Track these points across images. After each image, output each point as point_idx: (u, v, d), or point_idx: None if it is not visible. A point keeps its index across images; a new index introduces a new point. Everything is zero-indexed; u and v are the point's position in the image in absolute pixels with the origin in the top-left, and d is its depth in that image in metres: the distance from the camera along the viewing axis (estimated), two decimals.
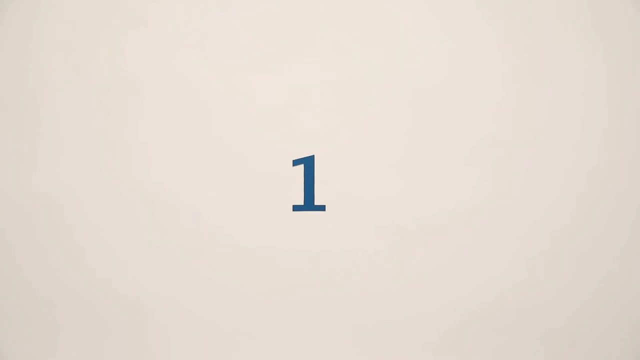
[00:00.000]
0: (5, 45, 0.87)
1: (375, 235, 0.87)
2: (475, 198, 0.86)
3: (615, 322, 0.87)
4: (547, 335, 0.87)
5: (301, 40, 0.86)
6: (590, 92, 0.85)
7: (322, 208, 0.87)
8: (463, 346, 0.86)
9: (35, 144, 0.88)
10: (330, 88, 0.86)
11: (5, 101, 0.87)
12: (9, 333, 0.89)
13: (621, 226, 0.86)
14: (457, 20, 0.85)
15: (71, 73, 0.87)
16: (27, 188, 0.88)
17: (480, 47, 0.85)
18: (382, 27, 0.85)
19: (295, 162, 0.87)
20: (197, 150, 0.87)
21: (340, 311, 0.88)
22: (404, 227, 0.87)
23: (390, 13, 0.85)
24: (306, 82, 0.86)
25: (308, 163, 0.87)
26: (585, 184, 0.86)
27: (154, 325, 0.89)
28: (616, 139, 0.85)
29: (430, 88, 0.86)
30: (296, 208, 0.87)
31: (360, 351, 0.88)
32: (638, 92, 0.85)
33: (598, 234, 0.86)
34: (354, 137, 0.87)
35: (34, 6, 0.86)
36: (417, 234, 0.85)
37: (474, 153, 0.86)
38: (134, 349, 0.89)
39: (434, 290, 0.86)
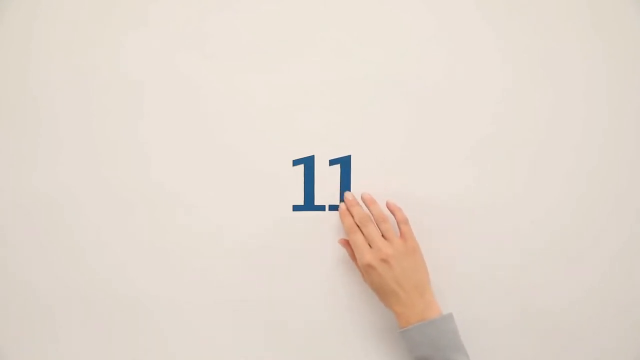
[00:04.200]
0: (5, 45, 0.87)
1: None
2: (475, 198, 0.86)
3: (614, 322, 0.87)
4: (546, 335, 0.87)
5: (301, 40, 0.86)
6: (590, 92, 0.85)
7: (322, 208, 0.87)
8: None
9: (35, 144, 0.88)
10: (330, 88, 0.86)
11: (5, 101, 0.87)
12: (9, 333, 0.89)
13: (621, 226, 0.86)
14: (457, 20, 0.85)
15: (71, 73, 0.87)
16: (27, 188, 0.88)
17: (480, 47, 0.85)
18: (382, 27, 0.85)
19: (295, 162, 0.87)
20: (197, 150, 0.87)
21: (340, 311, 0.88)
22: None
23: (391, 13, 0.85)
24: (306, 82, 0.86)
25: (308, 163, 0.87)
26: (585, 184, 0.86)
27: (154, 325, 0.89)
28: (616, 139, 0.85)
29: (430, 88, 0.86)
30: (296, 208, 0.87)
31: (360, 351, 0.88)
32: (638, 92, 0.85)
33: (598, 233, 0.86)
34: (354, 137, 0.87)
35: (34, 6, 0.86)
36: (417, 234, 0.84)
37: (474, 153, 0.86)
38: (134, 348, 0.89)
39: (434, 290, 0.86)
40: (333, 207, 0.87)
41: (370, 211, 0.83)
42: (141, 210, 0.88)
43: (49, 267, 0.89)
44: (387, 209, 0.84)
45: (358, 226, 0.82)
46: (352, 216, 0.83)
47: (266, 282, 0.88)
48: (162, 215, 0.88)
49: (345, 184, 0.87)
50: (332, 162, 0.87)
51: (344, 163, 0.87)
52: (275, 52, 0.86)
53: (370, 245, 0.80)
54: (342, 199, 0.87)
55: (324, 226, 0.87)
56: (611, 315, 0.87)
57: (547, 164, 0.86)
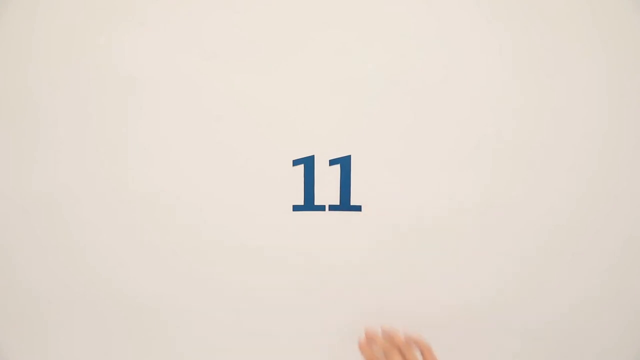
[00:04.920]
0: (5, 45, 0.87)
1: (375, 235, 0.87)
2: (475, 198, 0.86)
3: (614, 322, 0.87)
4: (546, 334, 0.87)
5: (301, 40, 0.86)
6: (591, 92, 0.85)
7: (322, 208, 0.87)
8: (463, 345, 0.86)
9: (35, 144, 0.88)
10: (330, 88, 0.86)
11: (5, 101, 0.87)
12: (9, 333, 0.89)
13: (621, 226, 0.86)
14: (458, 21, 0.85)
15: (70, 73, 0.87)
16: (26, 188, 0.88)
17: (481, 48, 0.85)
18: (382, 27, 0.85)
19: (295, 162, 0.87)
20: (197, 150, 0.87)
21: (340, 311, 0.88)
22: (404, 227, 0.87)
23: (391, 13, 0.85)
24: (306, 82, 0.86)
25: (308, 163, 0.87)
26: (585, 184, 0.86)
27: (154, 325, 0.89)
28: (616, 139, 0.85)
29: (430, 88, 0.86)
30: (296, 208, 0.87)
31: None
32: (638, 92, 0.85)
33: (598, 234, 0.86)
34: (354, 137, 0.87)
35: (34, 6, 0.86)
36: (417, 234, 0.85)
37: (474, 153, 0.86)
38: (135, 348, 0.89)
39: (433, 290, 0.86)
40: (333, 207, 0.87)
41: (393, 342, 0.81)
42: (141, 210, 0.88)
43: (48, 267, 0.89)
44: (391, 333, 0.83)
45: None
46: (377, 346, 0.82)
47: (266, 281, 0.88)
48: (161, 215, 0.88)
49: (345, 184, 0.87)
50: (332, 162, 0.87)
51: (344, 163, 0.87)
52: (275, 52, 0.86)
53: None
54: (342, 199, 0.87)
55: (324, 226, 0.87)
56: (610, 315, 0.87)
57: (547, 164, 0.86)
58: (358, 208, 0.87)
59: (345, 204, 0.87)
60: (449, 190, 0.86)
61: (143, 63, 0.86)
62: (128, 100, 0.87)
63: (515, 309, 0.87)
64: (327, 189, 0.87)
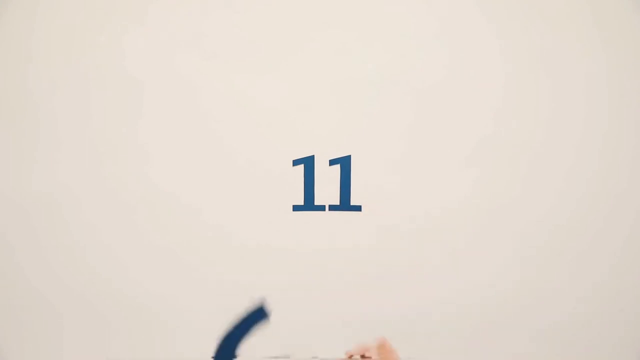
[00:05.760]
0: (4, 45, 0.87)
1: (375, 235, 0.87)
2: (475, 198, 0.86)
3: (613, 323, 0.87)
4: (547, 334, 0.87)
5: (301, 40, 0.86)
6: (591, 92, 0.85)
7: (322, 208, 0.87)
8: (462, 345, 0.86)
9: (35, 144, 0.88)
10: (330, 88, 0.86)
11: (5, 101, 0.87)
12: (9, 333, 0.89)
13: (621, 227, 0.86)
14: (458, 21, 0.85)
15: (70, 73, 0.87)
16: (26, 188, 0.88)
17: (481, 48, 0.85)
18: (383, 27, 0.85)
19: (295, 162, 0.87)
20: (197, 150, 0.87)
21: (339, 311, 0.88)
22: (404, 227, 0.87)
23: (392, 13, 0.85)
24: (306, 82, 0.86)
25: (308, 163, 0.87)
26: (585, 184, 0.86)
27: (154, 325, 0.89)
28: (616, 139, 0.86)
29: (431, 88, 0.86)
30: (296, 208, 0.87)
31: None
32: (638, 92, 0.85)
33: (598, 234, 0.86)
34: (354, 137, 0.87)
35: (34, 6, 0.86)
36: (417, 234, 0.84)
37: (474, 153, 0.86)
38: (135, 348, 0.89)
39: (433, 290, 0.86)
40: (333, 207, 0.87)
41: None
42: (141, 210, 0.88)
43: (48, 267, 0.89)
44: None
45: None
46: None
47: (266, 281, 0.88)
48: (162, 215, 0.88)
49: (345, 184, 0.87)
50: (332, 162, 0.87)
51: (344, 163, 0.87)
52: (275, 52, 0.86)
53: None
54: (342, 199, 0.87)
55: (324, 226, 0.87)
56: (610, 315, 0.87)
57: (547, 164, 0.86)
58: (358, 208, 0.87)
59: (345, 204, 0.87)
60: (449, 190, 0.86)
61: (143, 63, 0.86)
62: (128, 100, 0.87)
63: (515, 309, 0.87)
64: (327, 189, 0.87)
